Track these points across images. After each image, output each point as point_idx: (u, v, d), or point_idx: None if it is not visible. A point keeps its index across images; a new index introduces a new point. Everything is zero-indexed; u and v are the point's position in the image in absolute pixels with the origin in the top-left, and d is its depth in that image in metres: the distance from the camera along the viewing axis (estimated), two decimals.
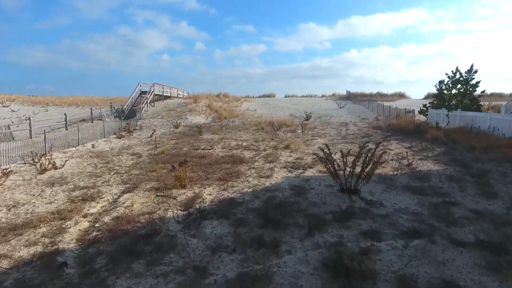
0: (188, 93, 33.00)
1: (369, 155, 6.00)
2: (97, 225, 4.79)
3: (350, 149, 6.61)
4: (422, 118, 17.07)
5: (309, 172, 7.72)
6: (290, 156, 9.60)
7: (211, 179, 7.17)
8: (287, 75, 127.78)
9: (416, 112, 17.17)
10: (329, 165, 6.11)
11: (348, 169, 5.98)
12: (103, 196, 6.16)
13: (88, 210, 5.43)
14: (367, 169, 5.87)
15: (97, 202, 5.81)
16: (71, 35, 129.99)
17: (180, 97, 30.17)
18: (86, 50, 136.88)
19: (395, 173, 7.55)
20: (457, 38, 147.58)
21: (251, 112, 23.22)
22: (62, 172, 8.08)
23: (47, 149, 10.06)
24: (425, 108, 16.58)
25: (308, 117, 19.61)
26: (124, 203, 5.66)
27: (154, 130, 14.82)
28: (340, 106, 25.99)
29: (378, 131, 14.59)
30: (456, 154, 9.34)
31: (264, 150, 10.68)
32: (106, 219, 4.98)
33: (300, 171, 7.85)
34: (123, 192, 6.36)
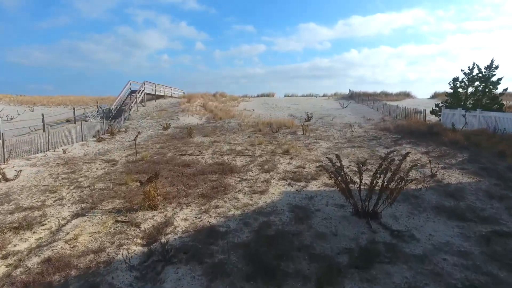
0: (183, 92, 31.51)
1: (391, 167, 4.61)
2: (15, 272, 3.37)
3: (366, 159, 5.19)
4: (433, 118, 15.65)
5: (313, 185, 6.31)
6: (290, 163, 8.18)
7: (192, 196, 5.76)
8: (287, 75, 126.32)
9: (427, 112, 15.75)
10: (341, 182, 4.71)
11: (363, 182, 4.60)
12: (46, 222, 4.73)
13: (15, 245, 4.00)
14: (391, 185, 4.47)
15: (34, 232, 4.39)
16: (71, 35, 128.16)
17: (174, 97, 28.67)
18: (85, 50, 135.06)
19: (419, 186, 6.15)
20: (457, 38, 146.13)
21: (248, 112, 21.77)
22: (12, 186, 6.64)
23: (5, 156, 8.61)
24: (437, 108, 15.16)
25: (309, 118, 18.17)
26: (68, 233, 4.24)
27: (139, 133, 13.37)
28: (343, 106, 24.55)
29: (387, 133, 13.18)
30: (484, 161, 7.95)
31: (260, 156, 9.26)
32: (33, 261, 3.56)
33: (302, 183, 6.44)
34: (75, 216, 4.93)
